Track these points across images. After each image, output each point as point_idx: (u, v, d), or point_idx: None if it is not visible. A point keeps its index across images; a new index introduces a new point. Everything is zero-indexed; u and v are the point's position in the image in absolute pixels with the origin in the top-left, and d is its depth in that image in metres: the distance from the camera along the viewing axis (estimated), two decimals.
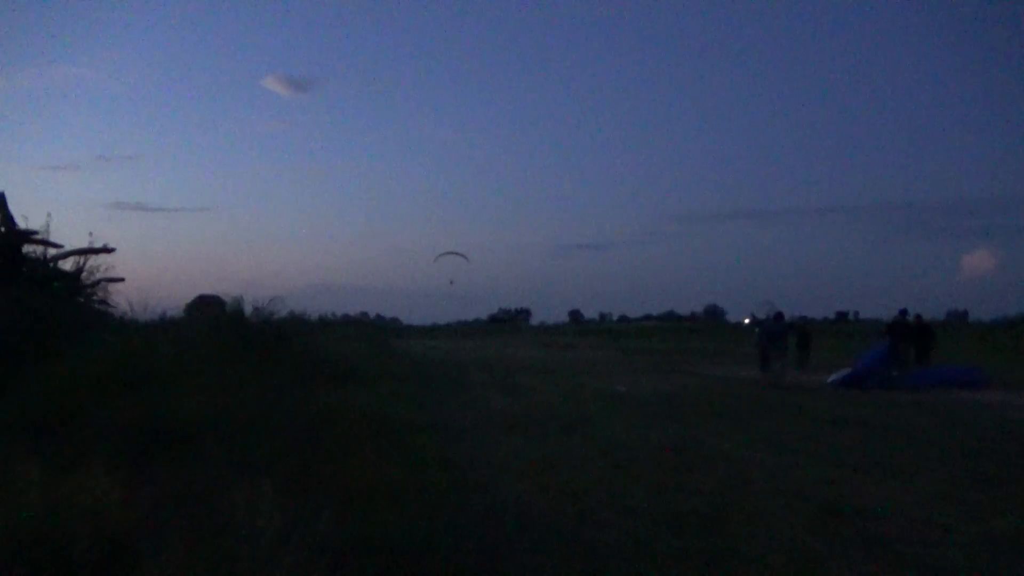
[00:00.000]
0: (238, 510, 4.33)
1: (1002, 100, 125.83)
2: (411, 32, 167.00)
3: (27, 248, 14.77)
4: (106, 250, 15.75)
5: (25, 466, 4.93)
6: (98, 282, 15.98)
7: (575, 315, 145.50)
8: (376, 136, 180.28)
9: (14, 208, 14.57)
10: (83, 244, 15.62)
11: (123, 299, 14.57)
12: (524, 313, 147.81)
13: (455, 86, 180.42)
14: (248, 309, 16.62)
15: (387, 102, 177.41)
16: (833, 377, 20.21)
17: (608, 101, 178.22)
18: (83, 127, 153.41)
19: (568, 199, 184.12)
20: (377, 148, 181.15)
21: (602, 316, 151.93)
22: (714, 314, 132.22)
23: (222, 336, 13.45)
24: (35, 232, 14.67)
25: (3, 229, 14.39)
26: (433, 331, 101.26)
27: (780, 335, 21.59)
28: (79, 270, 15.75)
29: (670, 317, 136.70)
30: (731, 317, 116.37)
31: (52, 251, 15.20)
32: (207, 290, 21.29)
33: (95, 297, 15.95)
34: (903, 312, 21.79)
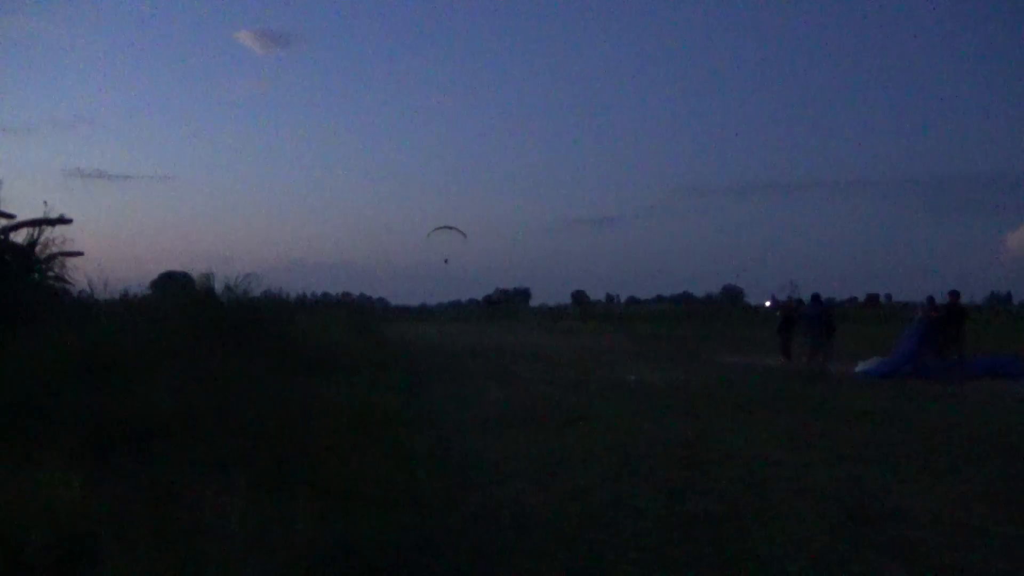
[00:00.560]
0: (208, 509, 4.36)
1: None
2: None
3: None
4: (63, 221, 15.67)
5: None
6: (54, 257, 15.93)
7: (579, 297, 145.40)
8: (361, 99, 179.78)
9: None
10: (37, 214, 15.55)
11: (81, 276, 14.45)
12: (523, 294, 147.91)
13: (448, 45, 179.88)
14: (219, 287, 16.61)
15: (373, 61, 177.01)
16: (862, 367, 20.26)
17: (617, 62, 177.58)
18: (37, 86, 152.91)
19: (572, 168, 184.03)
20: (362, 112, 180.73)
21: (609, 298, 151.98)
22: (732, 296, 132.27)
23: (191, 317, 13.44)
24: None
25: None
26: (423, 314, 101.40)
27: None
28: (32, 243, 15.68)
29: (684, 299, 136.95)
30: (751, 299, 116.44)
31: (2, 222, 15.15)
32: (174, 266, 21.32)
33: (50, 273, 15.90)
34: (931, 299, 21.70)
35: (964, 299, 22.68)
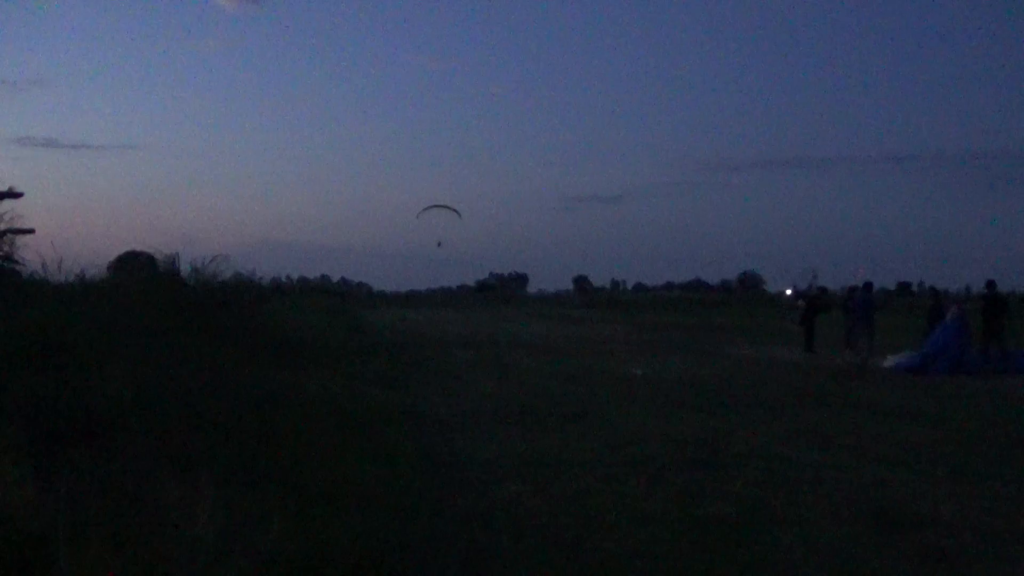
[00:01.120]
0: (172, 510, 4.36)
1: None
2: None
3: None
4: (12, 195, 15.64)
5: None
6: (2, 234, 15.90)
7: (581, 282, 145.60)
8: (342, 62, 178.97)
9: None
10: None
11: (33, 255, 14.44)
12: (519, 279, 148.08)
13: (439, 1, 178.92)
14: (185, 269, 16.62)
15: (357, 20, 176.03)
16: (892, 361, 20.32)
17: (626, 20, 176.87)
18: None
19: (575, 141, 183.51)
20: (344, 77, 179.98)
21: (614, 284, 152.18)
22: (750, 283, 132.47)
23: (153, 302, 13.44)
24: None
25: None
26: (409, 300, 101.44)
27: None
28: None
29: (697, 286, 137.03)
30: (770, 287, 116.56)
31: None
32: (136, 246, 21.28)
33: None
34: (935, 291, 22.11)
35: (1006, 288, 22.85)
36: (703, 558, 5.84)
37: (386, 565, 4.92)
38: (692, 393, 14.86)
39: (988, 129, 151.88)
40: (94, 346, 9.28)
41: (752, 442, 10.13)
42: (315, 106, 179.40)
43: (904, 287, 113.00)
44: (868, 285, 22.98)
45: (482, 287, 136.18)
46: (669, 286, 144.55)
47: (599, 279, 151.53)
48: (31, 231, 16.09)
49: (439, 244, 37.19)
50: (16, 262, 15.81)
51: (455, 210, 33.58)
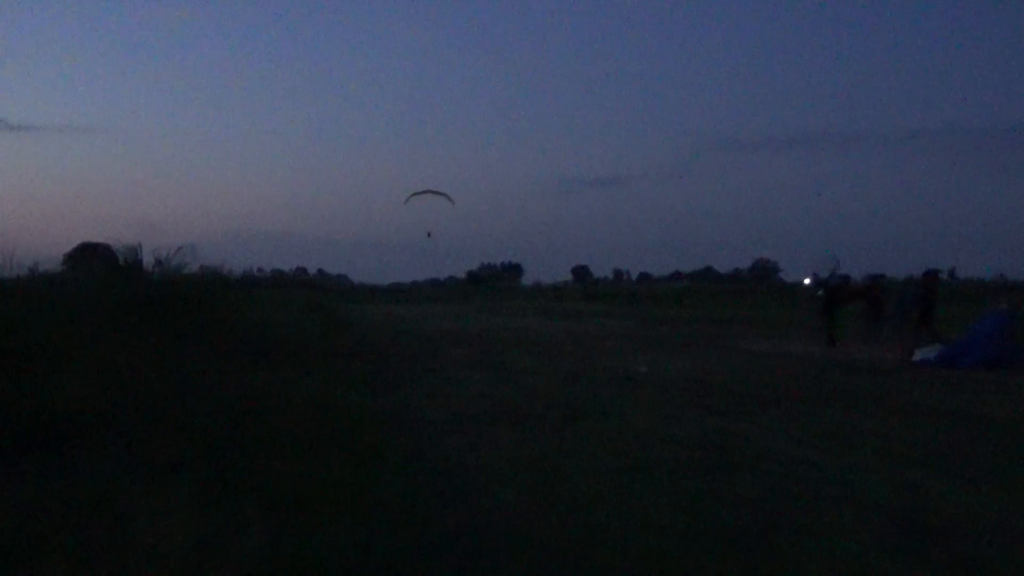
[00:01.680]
0: (141, 523, 4.38)
1: None
2: None
3: None
4: None
5: None
6: None
7: (581, 273, 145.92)
8: (323, 35, 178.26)
9: None
10: None
11: None
12: (513, 270, 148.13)
13: None
14: (148, 261, 16.60)
15: None
16: (920, 355, 20.39)
17: None
18: None
19: (573, 119, 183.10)
20: (325, 52, 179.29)
21: (617, 274, 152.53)
22: (764, 271, 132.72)
23: (114, 297, 13.44)
24: None
25: None
26: (394, 293, 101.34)
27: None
28: None
29: (706, 275, 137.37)
30: (786, 276, 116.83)
31: None
32: (93, 236, 21.23)
33: None
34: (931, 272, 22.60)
35: None
36: (716, 571, 5.88)
37: None
38: (702, 392, 14.90)
39: (1020, 102, 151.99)
40: (52, 348, 9.28)
41: (768, 445, 10.18)
42: (291, 83, 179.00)
43: (932, 275, 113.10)
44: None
45: (473, 279, 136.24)
46: (676, 276, 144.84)
47: (600, 269, 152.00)
48: None
49: (429, 234, 36.67)
50: None
51: (447, 196, 33.12)
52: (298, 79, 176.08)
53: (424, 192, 33.14)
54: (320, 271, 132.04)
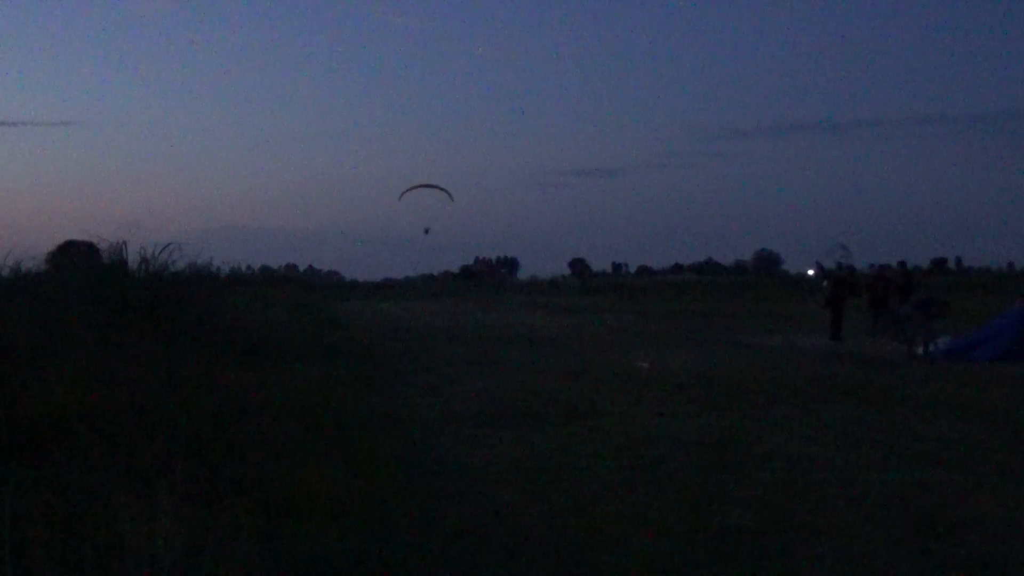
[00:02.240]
0: (125, 528, 4.35)
1: None
2: None
3: None
4: None
5: None
6: None
7: (578, 266, 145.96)
8: (311, 22, 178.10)
9: None
10: None
11: None
12: (509, 264, 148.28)
13: None
14: (133, 260, 16.56)
15: None
16: (931, 347, 20.39)
17: None
18: None
19: (571, 109, 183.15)
20: (312, 39, 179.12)
21: (616, 267, 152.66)
22: (767, 263, 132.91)
23: (98, 297, 13.41)
24: None
25: None
26: (385, 289, 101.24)
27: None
28: None
29: (708, 268, 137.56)
30: (790, 267, 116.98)
31: None
32: (76, 234, 21.20)
33: None
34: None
35: None
36: (722, 572, 5.86)
37: None
38: (705, 388, 14.89)
39: None
40: (33, 348, 9.26)
41: (774, 442, 10.18)
42: (278, 75, 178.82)
43: (939, 263, 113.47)
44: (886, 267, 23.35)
45: (467, 273, 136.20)
46: (677, 268, 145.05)
47: (598, 262, 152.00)
48: None
49: (427, 231, 36.22)
50: None
51: (446, 190, 32.69)
52: (284, 71, 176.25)
53: (420, 187, 32.84)
54: (311, 267, 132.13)
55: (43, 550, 4.41)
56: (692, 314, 42.52)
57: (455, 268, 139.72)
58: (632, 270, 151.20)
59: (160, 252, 16.82)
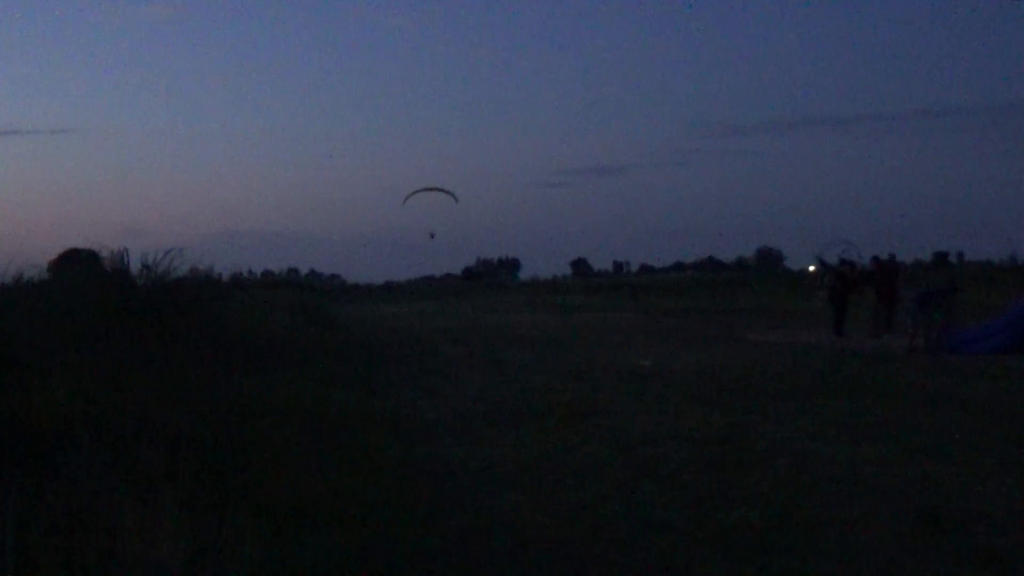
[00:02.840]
0: (128, 534, 4.35)
1: None
2: None
3: None
4: None
5: None
6: None
7: (580, 266, 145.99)
8: (307, 26, 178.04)
9: None
10: None
11: None
12: (510, 264, 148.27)
13: None
14: (135, 266, 16.56)
15: None
16: (932, 337, 20.36)
17: None
18: None
19: (569, 107, 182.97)
20: (309, 46, 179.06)
21: (617, 266, 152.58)
22: (769, 260, 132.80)
23: (100, 304, 13.41)
24: None
25: None
26: (388, 291, 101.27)
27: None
28: None
29: (710, 265, 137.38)
30: (792, 263, 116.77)
31: None
32: (78, 242, 21.19)
33: None
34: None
35: None
36: (728, 569, 5.86)
37: None
38: (708, 386, 14.88)
39: None
40: (35, 355, 9.26)
41: (778, 438, 10.16)
42: (277, 78, 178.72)
43: (941, 257, 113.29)
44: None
45: (469, 274, 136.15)
46: (679, 266, 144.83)
47: (600, 261, 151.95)
48: None
49: (432, 236, 35.80)
50: None
51: (451, 193, 32.35)
52: (283, 74, 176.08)
53: (425, 190, 32.57)
54: (312, 271, 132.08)
55: (47, 556, 4.41)
56: (694, 312, 42.51)
57: (456, 270, 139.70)
58: (634, 269, 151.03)
59: (162, 258, 16.83)
